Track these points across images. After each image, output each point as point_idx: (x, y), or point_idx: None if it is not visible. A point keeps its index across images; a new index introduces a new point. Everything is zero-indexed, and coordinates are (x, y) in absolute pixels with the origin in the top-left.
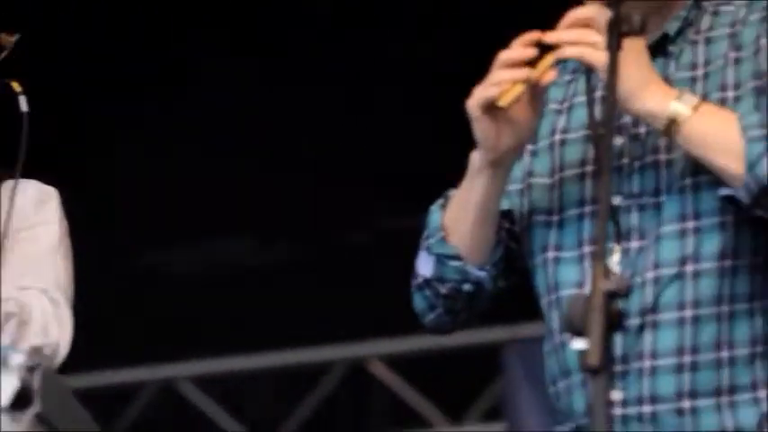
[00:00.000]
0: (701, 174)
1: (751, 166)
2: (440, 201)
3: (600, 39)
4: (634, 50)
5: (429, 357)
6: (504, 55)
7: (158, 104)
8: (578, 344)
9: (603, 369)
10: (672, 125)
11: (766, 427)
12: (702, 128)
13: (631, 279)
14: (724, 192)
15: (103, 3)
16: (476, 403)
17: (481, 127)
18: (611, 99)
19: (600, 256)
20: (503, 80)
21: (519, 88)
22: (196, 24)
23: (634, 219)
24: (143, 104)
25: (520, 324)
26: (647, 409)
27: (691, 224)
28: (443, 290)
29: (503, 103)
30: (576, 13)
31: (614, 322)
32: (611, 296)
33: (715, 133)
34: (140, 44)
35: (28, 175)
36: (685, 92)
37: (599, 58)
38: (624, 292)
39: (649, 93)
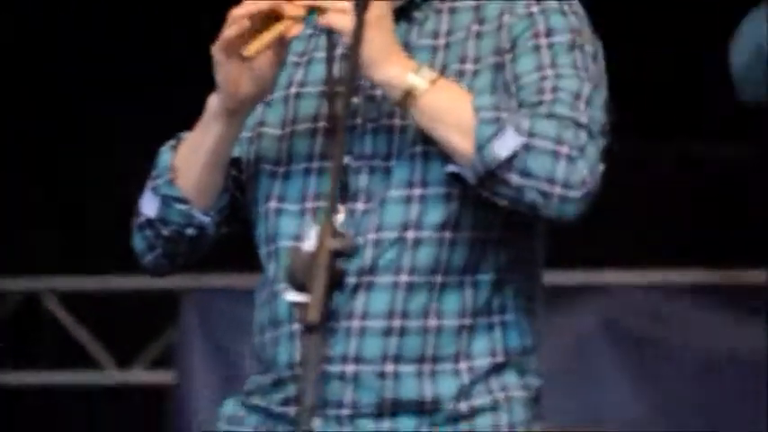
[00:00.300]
0: (432, 143)
1: (479, 147)
2: (171, 142)
3: (348, 5)
4: (379, 15)
5: (104, 298)
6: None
7: (158, 104)
8: (292, 296)
9: (322, 326)
10: (407, 98)
11: (464, 399)
12: (437, 103)
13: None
14: (451, 168)
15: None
16: (146, 349)
17: (223, 72)
18: (354, 62)
19: (329, 214)
20: (247, 13)
21: (265, 39)
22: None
23: (363, 180)
24: (143, 104)
25: (201, 274)
26: (350, 368)
27: (417, 191)
28: (165, 232)
29: (248, 53)
30: None
31: (336, 281)
32: (337, 255)
33: (448, 110)
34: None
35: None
36: (424, 66)
37: (345, 24)
38: (349, 252)
39: (389, 63)
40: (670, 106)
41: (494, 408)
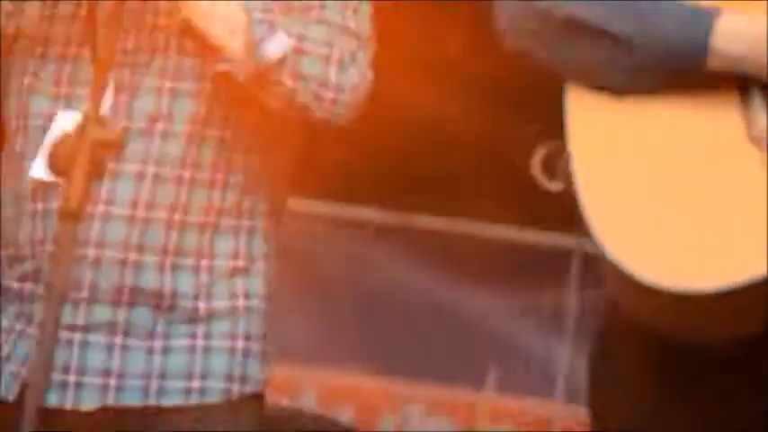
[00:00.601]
0: (192, 38)
1: (252, 48)
2: None
3: None
4: None
5: None
6: None
7: None
8: (39, 172)
9: (80, 213)
10: None
11: (203, 299)
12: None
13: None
14: (222, 67)
15: None
16: None
17: None
18: None
19: (96, 104)
20: None
21: None
22: None
23: (117, 72)
24: None
25: None
26: (90, 252)
27: (169, 84)
28: None
29: None
30: None
31: (98, 170)
32: (101, 145)
33: (220, 8)
34: None
35: None
36: None
37: None
38: (114, 144)
39: None
40: None
41: (232, 313)
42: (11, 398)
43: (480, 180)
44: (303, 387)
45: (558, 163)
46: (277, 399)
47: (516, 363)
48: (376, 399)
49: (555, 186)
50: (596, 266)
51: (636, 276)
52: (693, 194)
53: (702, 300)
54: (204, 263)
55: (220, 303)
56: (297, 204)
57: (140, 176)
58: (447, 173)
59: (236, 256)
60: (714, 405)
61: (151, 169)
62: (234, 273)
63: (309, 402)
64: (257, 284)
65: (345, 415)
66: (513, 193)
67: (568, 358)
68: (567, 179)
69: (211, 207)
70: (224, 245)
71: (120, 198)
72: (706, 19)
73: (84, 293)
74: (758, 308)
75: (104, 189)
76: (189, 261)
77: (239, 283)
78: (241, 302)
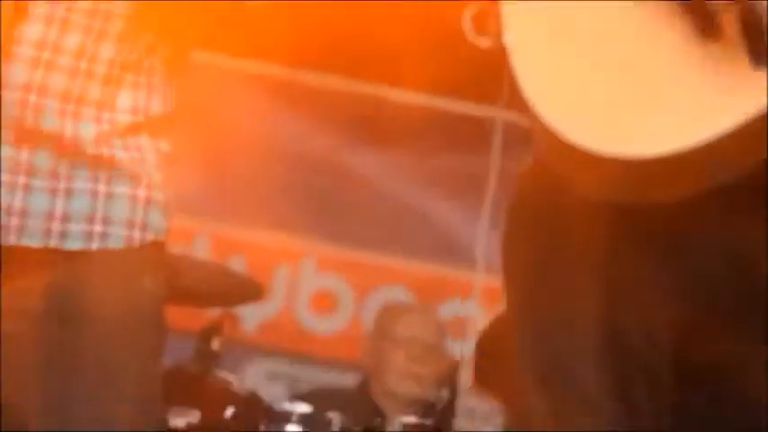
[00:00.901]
0: None
1: None
2: None
3: None
4: None
5: None
6: None
7: None
8: None
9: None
10: None
11: (104, 146)
12: None
13: None
14: None
15: None
16: None
17: None
18: None
19: None
20: None
21: None
22: None
23: None
24: None
25: None
26: None
27: None
28: None
29: None
30: None
31: (22, 14)
32: None
33: None
34: None
35: None
36: None
37: None
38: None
39: None
40: None
41: (132, 164)
42: None
43: (403, 46)
44: (196, 237)
45: (489, 20)
46: (170, 247)
47: (426, 230)
48: (269, 252)
49: (484, 43)
50: (519, 137)
51: (571, 141)
52: (634, 58)
53: (644, 164)
54: (105, 115)
55: (121, 154)
56: (199, 57)
57: (49, 20)
58: (367, 35)
59: (134, 111)
60: (660, 266)
61: (60, 13)
62: (133, 128)
63: (202, 253)
64: (157, 140)
65: (238, 266)
66: (435, 60)
67: (486, 229)
68: (497, 37)
69: (116, 60)
70: (125, 100)
71: (26, 38)
72: None
73: None
74: (701, 170)
75: (16, 32)
76: (91, 111)
77: (139, 139)
78: (140, 155)
